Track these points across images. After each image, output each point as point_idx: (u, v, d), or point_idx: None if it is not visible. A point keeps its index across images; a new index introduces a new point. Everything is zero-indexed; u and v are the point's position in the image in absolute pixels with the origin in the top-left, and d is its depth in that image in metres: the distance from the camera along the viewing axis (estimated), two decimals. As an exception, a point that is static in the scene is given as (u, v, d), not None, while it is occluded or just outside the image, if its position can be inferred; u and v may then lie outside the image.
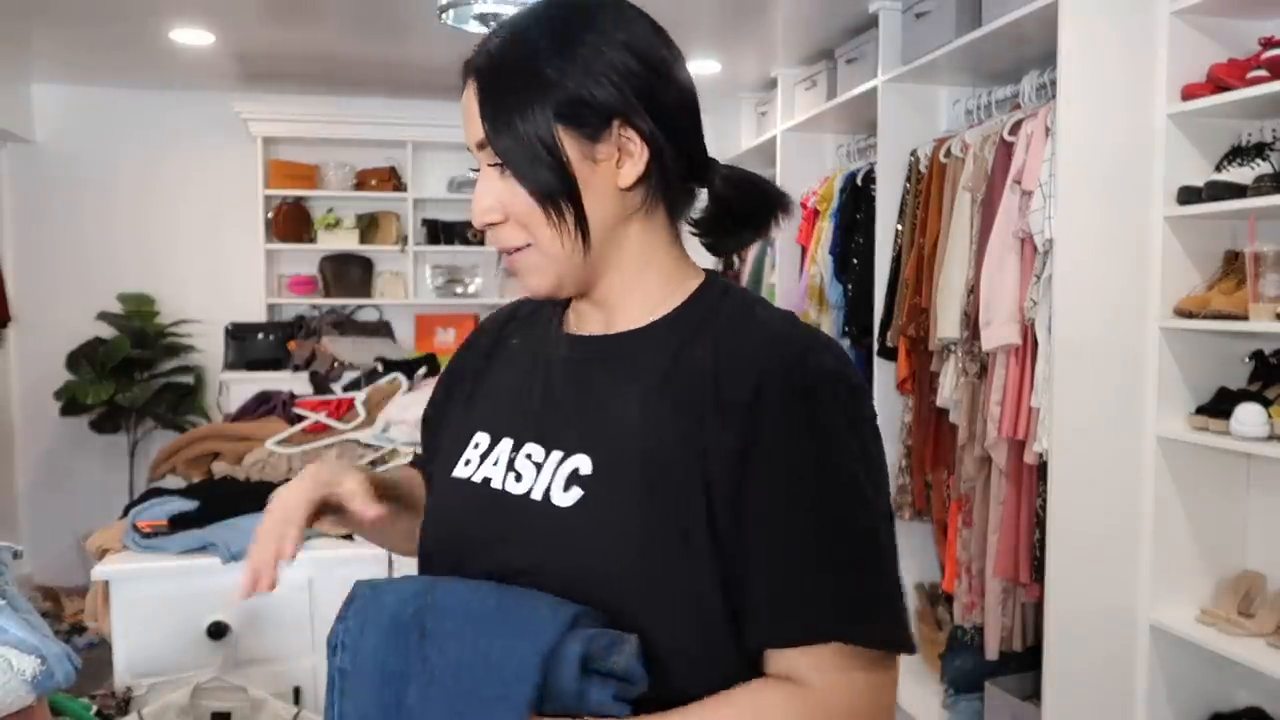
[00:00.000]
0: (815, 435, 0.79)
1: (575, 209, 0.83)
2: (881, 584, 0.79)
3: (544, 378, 0.92)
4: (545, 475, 0.85)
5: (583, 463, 0.84)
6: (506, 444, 0.90)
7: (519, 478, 0.87)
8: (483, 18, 2.38)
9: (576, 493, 0.83)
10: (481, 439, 0.93)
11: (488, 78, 0.83)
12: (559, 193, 0.82)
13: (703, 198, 0.92)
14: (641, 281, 0.89)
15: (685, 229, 0.92)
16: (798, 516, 0.78)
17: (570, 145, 0.82)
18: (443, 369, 1.08)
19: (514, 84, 0.82)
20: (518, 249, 0.86)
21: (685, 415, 0.81)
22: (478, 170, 0.87)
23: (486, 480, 0.89)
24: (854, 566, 0.78)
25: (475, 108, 0.84)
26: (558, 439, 0.87)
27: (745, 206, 0.91)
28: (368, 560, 2.10)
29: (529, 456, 0.87)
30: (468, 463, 0.92)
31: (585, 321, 0.93)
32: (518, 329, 1.01)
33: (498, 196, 0.84)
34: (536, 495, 0.85)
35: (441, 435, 1.01)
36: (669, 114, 0.84)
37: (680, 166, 0.86)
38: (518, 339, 1.00)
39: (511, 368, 0.97)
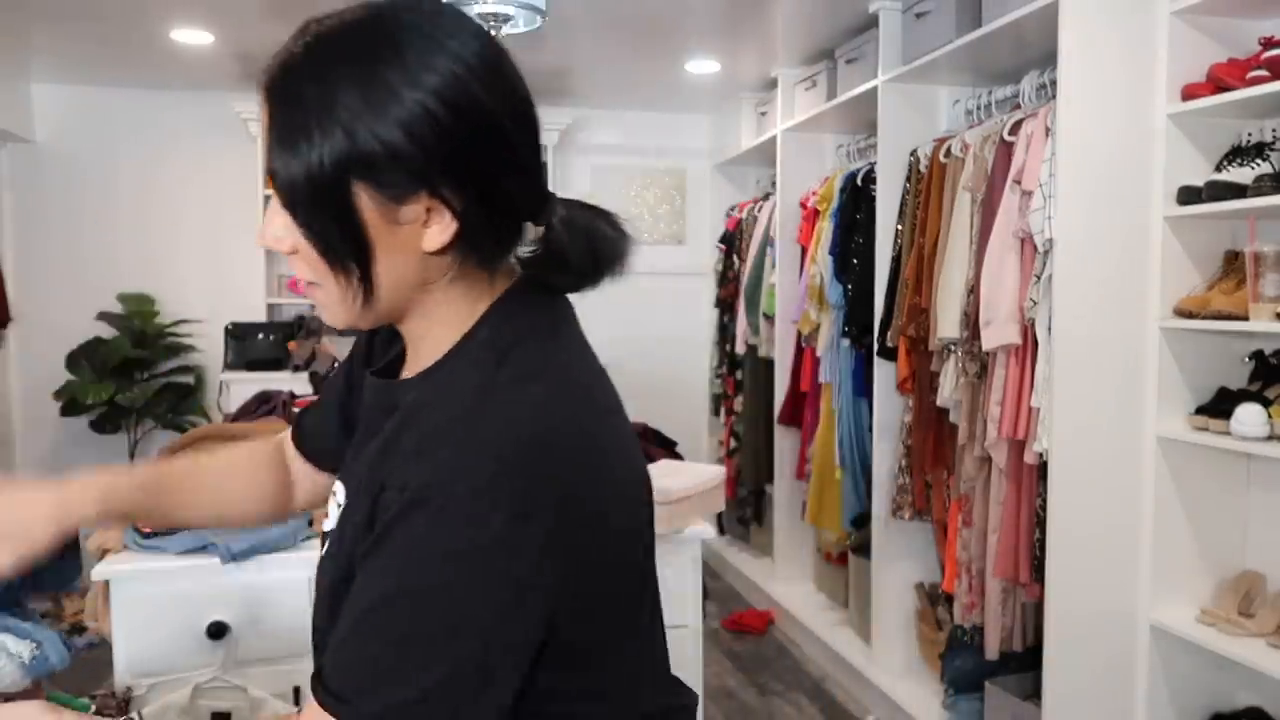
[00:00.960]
0: (384, 547, 0.68)
1: (362, 271, 0.71)
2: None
3: (366, 415, 0.86)
4: (334, 521, 0.82)
5: (332, 522, 0.81)
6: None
7: (327, 515, 0.85)
8: (483, 18, 2.38)
9: (326, 549, 0.80)
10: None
11: (279, 98, 0.71)
12: (345, 254, 0.71)
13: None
14: (443, 325, 0.77)
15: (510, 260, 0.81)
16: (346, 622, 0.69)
17: (366, 200, 0.69)
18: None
19: (305, 117, 0.68)
20: (308, 282, 0.76)
21: (368, 502, 0.73)
22: None
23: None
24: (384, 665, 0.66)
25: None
26: (346, 486, 0.82)
27: (576, 256, 0.77)
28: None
29: (335, 494, 0.84)
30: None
31: (405, 356, 0.85)
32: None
33: (288, 228, 0.72)
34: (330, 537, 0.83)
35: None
36: (487, 166, 0.71)
37: (500, 218, 0.75)
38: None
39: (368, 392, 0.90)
